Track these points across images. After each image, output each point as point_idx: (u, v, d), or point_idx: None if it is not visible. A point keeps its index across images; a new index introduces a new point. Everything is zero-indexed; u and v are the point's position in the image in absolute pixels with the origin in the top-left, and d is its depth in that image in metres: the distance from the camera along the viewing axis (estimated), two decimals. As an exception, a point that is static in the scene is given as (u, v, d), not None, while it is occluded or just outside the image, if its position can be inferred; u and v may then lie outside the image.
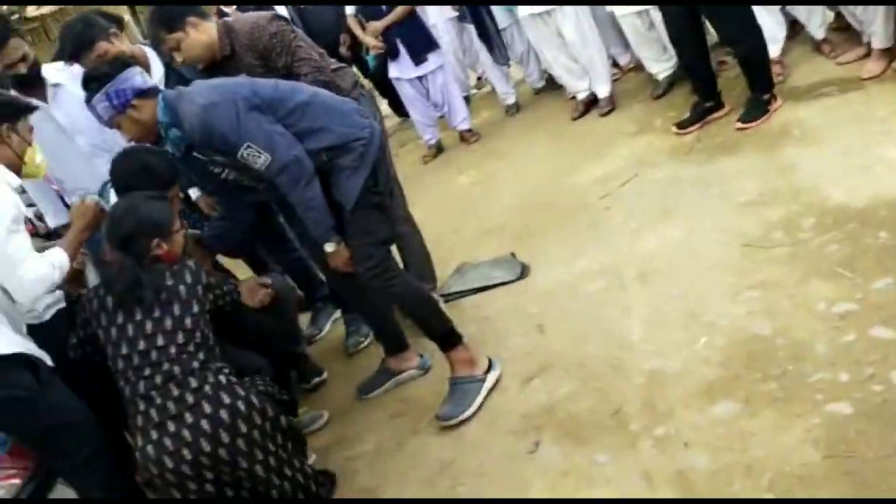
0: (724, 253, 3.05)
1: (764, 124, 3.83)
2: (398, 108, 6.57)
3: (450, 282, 3.69)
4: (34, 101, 2.75)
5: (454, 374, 2.84)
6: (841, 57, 4.13)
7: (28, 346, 2.35)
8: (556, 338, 2.99)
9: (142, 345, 2.32)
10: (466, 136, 5.71)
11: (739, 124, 3.90)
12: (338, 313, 3.81)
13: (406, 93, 5.53)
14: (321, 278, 3.58)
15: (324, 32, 5.25)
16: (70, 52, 3.13)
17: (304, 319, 3.77)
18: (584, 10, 4.84)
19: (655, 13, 4.44)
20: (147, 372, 2.30)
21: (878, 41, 3.83)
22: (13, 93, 3.26)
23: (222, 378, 2.32)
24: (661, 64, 4.81)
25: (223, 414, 2.25)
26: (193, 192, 3.27)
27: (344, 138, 2.64)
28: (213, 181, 2.78)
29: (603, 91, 5.01)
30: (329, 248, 2.72)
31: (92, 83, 2.55)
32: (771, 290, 2.73)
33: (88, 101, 2.57)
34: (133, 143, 2.76)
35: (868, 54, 3.94)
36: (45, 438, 2.34)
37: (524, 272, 3.51)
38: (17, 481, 2.62)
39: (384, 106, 6.30)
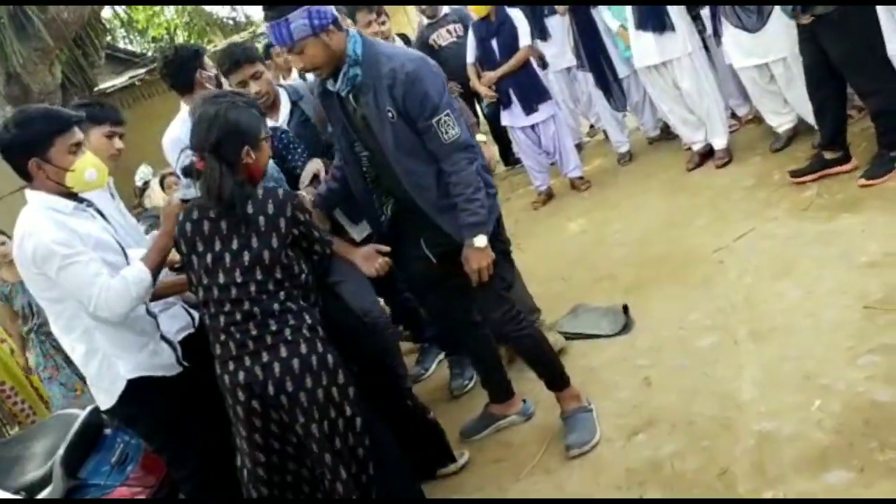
0: (844, 315, 2.96)
1: (890, 182, 3.69)
2: (507, 156, 6.74)
3: (562, 321, 3.75)
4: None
5: (566, 409, 2.92)
6: None
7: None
8: (663, 393, 2.97)
9: (222, 278, 2.30)
10: (577, 184, 5.76)
11: (863, 181, 3.77)
12: (442, 354, 3.91)
13: (518, 139, 5.67)
14: (428, 319, 3.68)
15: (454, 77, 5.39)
16: (232, 62, 3.16)
17: (409, 362, 3.91)
18: (701, 62, 4.84)
19: (775, 66, 4.38)
20: (227, 308, 2.29)
21: None
22: None
23: (305, 327, 2.30)
24: (782, 117, 4.72)
25: (294, 363, 2.25)
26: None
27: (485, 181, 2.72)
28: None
29: (720, 143, 4.97)
30: (480, 241, 2.62)
31: (282, 4, 2.44)
32: (893, 355, 2.63)
33: (275, 18, 2.43)
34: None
35: None
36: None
37: (626, 328, 3.51)
38: (142, 496, 2.85)
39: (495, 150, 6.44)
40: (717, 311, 3.35)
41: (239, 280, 2.28)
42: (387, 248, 2.77)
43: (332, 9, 2.49)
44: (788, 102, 4.60)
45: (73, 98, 7.28)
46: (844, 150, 4.03)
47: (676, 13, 4.67)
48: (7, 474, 2.96)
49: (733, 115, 5.41)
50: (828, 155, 4.02)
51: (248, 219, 2.29)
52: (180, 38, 18.04)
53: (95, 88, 9.20)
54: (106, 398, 2.59)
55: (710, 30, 4.76)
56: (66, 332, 2.55)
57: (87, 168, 2.49)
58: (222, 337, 2.31)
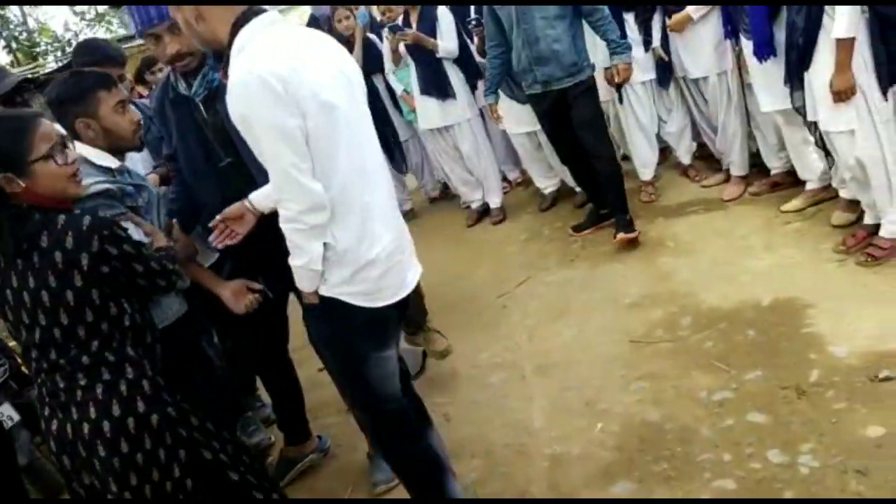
0: (614, 349, 3.33)
1: (642, 236, 4.23)
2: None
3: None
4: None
5: (371, 449, 2.92)
6: (704, 181, 4.69)
7: None
8: (462, 426, 3.12)
9: (26, 319, 1.97)
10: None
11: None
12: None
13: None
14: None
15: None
16: None
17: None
18: (479, 128, 5.26)
19: (541, 135, 4.87)
20: (35, 353, 1.99)
21: (736, 169, 4.41)
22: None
23: (122, 383, 1.98)
24: (548, 180, 5.25)
25: (106, 426, 1.94)
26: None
27: None
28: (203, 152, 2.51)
29: (495, 201, 5.39)
30: None
31: None
32: (657, 380, 3.00)
33: None
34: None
35: (728, 179, 4.51)
36: None
37: (423, 369, 3.63)
38: None
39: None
40: (504, 349, 3.60)
41: (43, 323, 1.95)
42: (257, 286, 2.59)
43: None
44: (553, 167, 5.12)
45: None
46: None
47: (458, 82, 5.06)
48: None
49: (504, 179, 5.89)
50: (600, 211, 4.55)
51: (42, 252, 1.92)
52: None
53: None
54: None
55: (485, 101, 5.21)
56: None
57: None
58: (38, 380, 2.01)
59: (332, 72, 1.90)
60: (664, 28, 4.28)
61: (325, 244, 1.92)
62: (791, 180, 4.13)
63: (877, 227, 3.32)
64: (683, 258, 3.92)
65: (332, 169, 1.87)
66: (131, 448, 1.96)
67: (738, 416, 2.66)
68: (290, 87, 1.75)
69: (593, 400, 3.02)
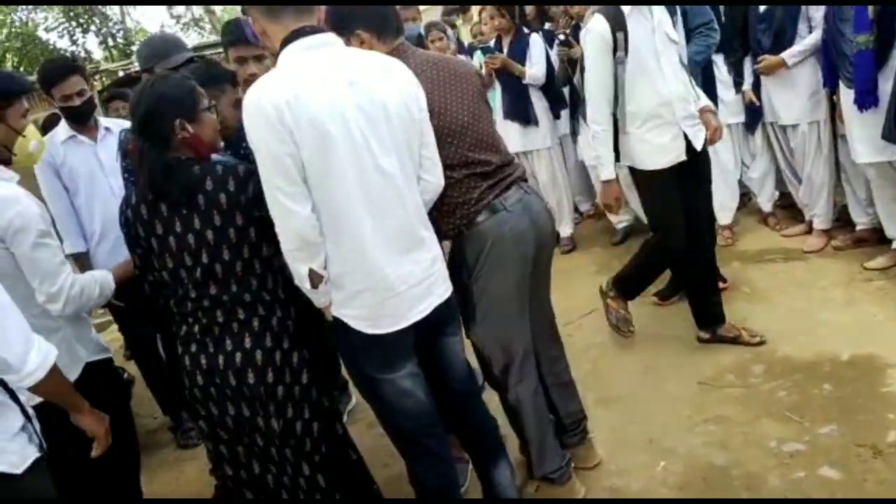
0: (681, 388, 3.26)
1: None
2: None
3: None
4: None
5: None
6: (785, 231, 4.58)
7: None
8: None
9: (188, 259, 2.14)
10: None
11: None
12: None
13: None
14: None
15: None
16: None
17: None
18: (557, 156, 5.26)
19: (620, 170, 4.81)
20: (193, 293, 2.16)
21: (820, 222, 4.30)
22: (63, 124, 3.55)
23: (274, 319, 2.17)
24: (622, 215, 5.21)
25: (258, 356, 2.14)
26: None
27: None
28: None
29: (566, 231, 5.37)
30: None
31: None
32: (725, 425, 2.93)
33: None
34: None
35: (809, 231, 4.40)
36: None
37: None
38: None
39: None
40: (567, 378, 3.56)
41: (205, 261, 2.12)
42: None
43: None
44: (628, 203, 5.08)
45: None
46: None
47: (541, 109, 5.08)
48: None
49: (576, 210, 5.87)
50: None
51: (207, 196, 2.09)
52: (9, 62, 16.90)
53: None
54: None
55: (567, 129, 5.22)
56: None
57: (32, 139, 2.44)
58: (189, 320, 2.19)
59: (342, 101, 1.91)
60: (755, 71, 4.22)
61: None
62: (877, 237, 4.02)
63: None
64: (759, 305, 3.83)
65: (324, 196, 1.93)
66: (275, 379, 2.15)
67: (810, 469, 2.57)
68: (285, 116, 1.83)
69: (657, 437, 2.96)
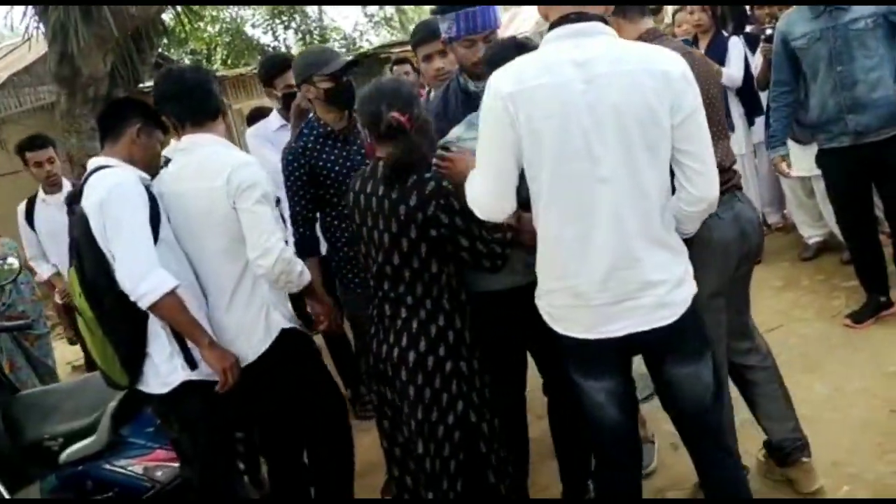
0: (871, 414, 3.11)
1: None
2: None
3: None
4: None
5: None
6: None
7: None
8: (685, 458, 3.07)
9: (372, 251, 2.37)
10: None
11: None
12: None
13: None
14: None
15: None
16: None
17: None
18: (750, 164, 5.11)
19: (816, 181, 4.59)
20: (373, 282, 2.42)
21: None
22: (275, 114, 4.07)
23: (433, 327, 2.30)
24: (814, 229, 4.97)
25: (410, 357, 2.29)
26: None
27: None
28: None
29: (751, 243, 5.18)
30: None
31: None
32: (921, 457, 2.77)
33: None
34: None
35: None
36: None
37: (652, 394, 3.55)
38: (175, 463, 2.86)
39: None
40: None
41: (380, 260, 2.35)
42: None
43: None
44: (823, 217, 4.83)
45: (118, 89, 7.41)
46: (886, 292, 3.96)
47: (737, 115, 4.94)
48: (45, 420, 2.99)
49: (764, 222, 5.65)
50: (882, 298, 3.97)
51: (392, 203, 2.27)
52: (219, 55, 18.47)
53: (140, 84, 9.38)
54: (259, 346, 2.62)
55: (762, 136, 5.04)
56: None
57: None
58: (374, 303, 2.45)
59: (568, 100, 1.90)
60: None
61: None
62: None
63: None
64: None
65: (535, 190, 2.02)
66: (424, 381, 2.31)
67: None
68: (508, 107, 1.91)
69: (841, 462, 2.85)
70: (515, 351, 2.66)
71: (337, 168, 3.01)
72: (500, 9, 2.56)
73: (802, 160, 4.53)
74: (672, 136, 1.93)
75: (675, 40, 2.57)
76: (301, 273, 2.59)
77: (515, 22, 14.16)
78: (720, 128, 2.50)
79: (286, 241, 2.59)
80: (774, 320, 4.16)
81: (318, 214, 3.13)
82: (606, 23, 1.99)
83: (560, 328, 2.08)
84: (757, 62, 4.88)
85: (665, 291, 2.00)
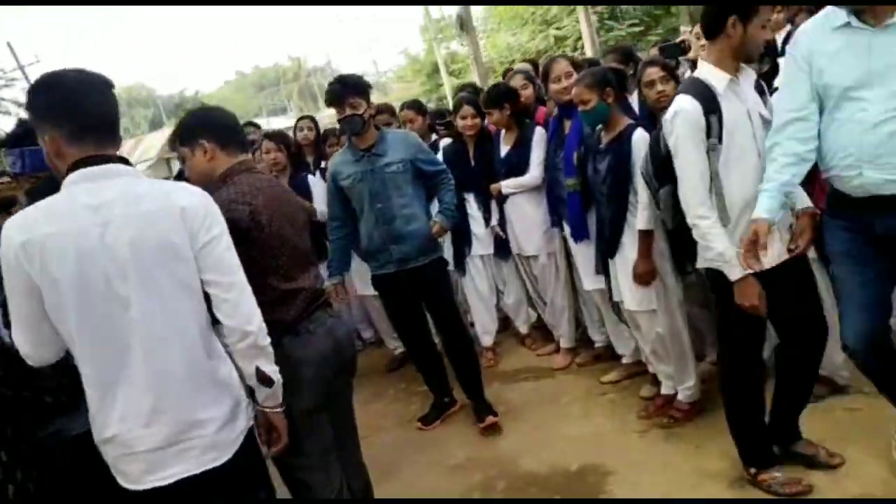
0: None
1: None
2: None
3: None
4: None
5: None
6: (539, 350, 5.00)
7: None
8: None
9: None
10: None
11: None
12: None
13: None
14: None
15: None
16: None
17: None
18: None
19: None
20: None
21: (565, 342, 4.75)
22: None
23: None
24: (397, 340, 5.42)
25: None
26: None
27: None
28: None
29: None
30: None
31: None
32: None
33: None
34: None
35: (558, 350, 4.83)
36: None
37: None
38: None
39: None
40: None
41: None
42: None
43: None
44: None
45: None
46: (448, 393, 4.43)
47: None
48: None
49: (359, 337, 6.04)
50: (445, 399, 4.42)
51: None
52: None
53: None
54: None
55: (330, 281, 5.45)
56: None
57: None
58: None
59: (86, 242, 1.88)
60: (501, 209, 4.70)
61: None
62: (611, 353, 4.48)
63: (674, 395, 3.68)
64: (511, 423, 4.12)
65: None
66: None
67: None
68: (20, 256, 1.87)
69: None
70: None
71: None
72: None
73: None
74: (197, 267, 2.00)
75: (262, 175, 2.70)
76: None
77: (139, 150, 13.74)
78: (304, 258, 2.64)
79: None
80: (362, 433, 4.40)
81: None
82: (128, 163, 2.04)
83: (121, 480, 1.98)
84: None
85: (214, 430, 2.00)
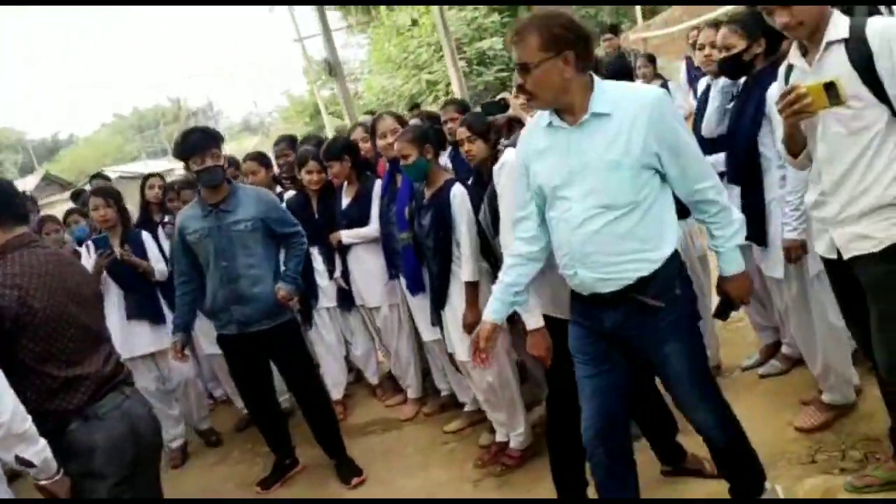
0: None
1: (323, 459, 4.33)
2: None
3: None
4: None
5: None
6: (388, 401, 4.99)
7: None
8: None
9: None
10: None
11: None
12: None
13: None
14: None
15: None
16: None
17: None
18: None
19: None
20: None
21: (412, 392, 4.76)
22: None
23: None
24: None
25: None
26: None
27: None
28: None
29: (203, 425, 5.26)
30: None
31: None
32: None
33: None
34: None
35: (406, 400, 4.83)
36: None
37: None
38: None
39: None
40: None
41: None
42: None
43: None
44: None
45: None
46: (291, 454, 4.34)
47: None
48: None
49: (210, 396, 5.84)
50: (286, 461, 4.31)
51: None
52: None
53: None
54: None
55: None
56: None
57: None
58: None
59: None
60: (344, 260, 4.69)
61: None
62: (455, 402, 4.52)
63: (507, 443, 3.75)
64: (355, 478, 4.06)
65: None
66: None
67: None
68: None
69: None
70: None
71: None
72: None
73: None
74: None
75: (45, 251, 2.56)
76: None
77: None
78: (94, 337, 2.53)
79: None
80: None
81: None
82: None
83: None
84: None
85: None
